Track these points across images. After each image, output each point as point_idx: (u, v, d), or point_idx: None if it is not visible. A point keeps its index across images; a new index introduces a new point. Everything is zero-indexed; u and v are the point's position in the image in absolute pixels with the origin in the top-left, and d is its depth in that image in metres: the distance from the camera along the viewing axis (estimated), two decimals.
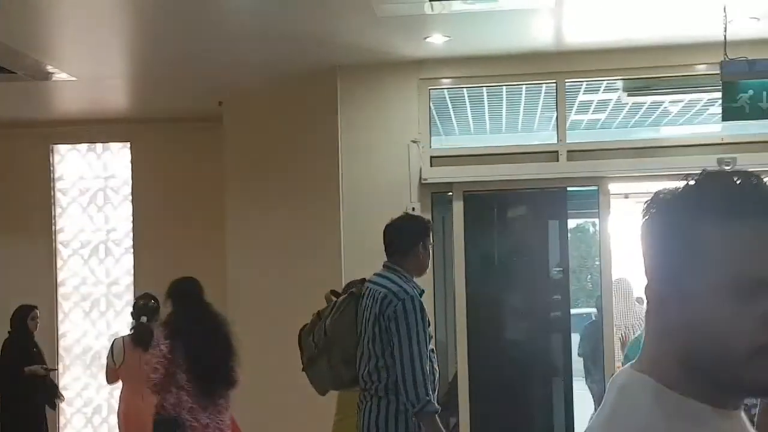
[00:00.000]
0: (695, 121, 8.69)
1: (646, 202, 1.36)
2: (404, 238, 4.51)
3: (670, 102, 8.23)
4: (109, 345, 7.06)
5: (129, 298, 8.63)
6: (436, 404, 4.30)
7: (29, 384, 7.54)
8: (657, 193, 1.35)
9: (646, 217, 1.34)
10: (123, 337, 6.87)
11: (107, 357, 6.83)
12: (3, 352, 7.69)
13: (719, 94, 7.35)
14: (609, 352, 6.85)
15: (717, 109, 8.38)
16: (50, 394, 7.77)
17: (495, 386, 6.88)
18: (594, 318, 8.54)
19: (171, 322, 5.57)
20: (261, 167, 7.57)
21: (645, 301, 1.37)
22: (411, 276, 4.49)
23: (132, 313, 6.95)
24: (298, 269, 7.23)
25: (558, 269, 6.92)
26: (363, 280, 4.67)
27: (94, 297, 8.89)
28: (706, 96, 7.85)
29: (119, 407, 6.87)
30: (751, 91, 6.12)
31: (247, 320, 7.52)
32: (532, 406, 7.00)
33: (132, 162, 8.76)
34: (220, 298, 7.78)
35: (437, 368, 4.47)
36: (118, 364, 6.74)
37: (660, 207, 1.34)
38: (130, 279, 8.74)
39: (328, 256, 7.09)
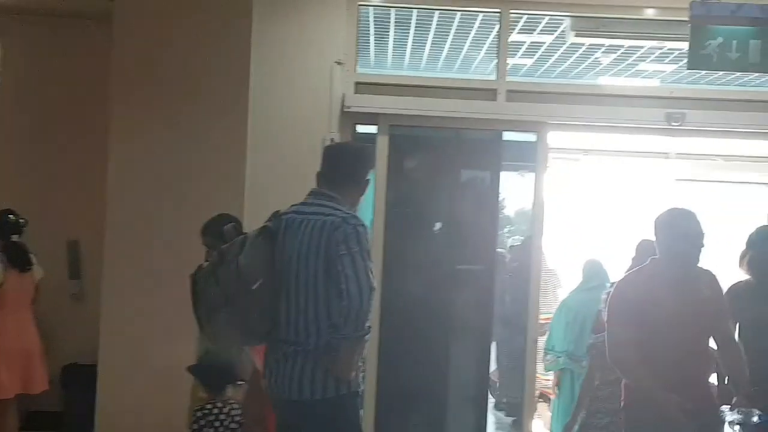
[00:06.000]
0: (625, 74, 8.23)
1: None
2: (354, 165, 3.96)
3: (602, 51, 7.71)
4: None
5: None
6: None
7: None
8: None
9: None
10: None
11: None
12: None
13: (666, 44, 6.94)
14: (533, 311, 6.31)
15: (647, 65, 7.99)
16: None
17: (406, 339, 6.27)
18: None
19: None
20: (155, 80, 6.65)
21: None
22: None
23: None
24: (191, 203, 6.35)
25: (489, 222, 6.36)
26: (277, 213, 3.96)
27: None
28: (646, 45, 7.33)
29: None
30: (720, 39, 5.60)
31: (129, 260, 6.70)
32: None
33: None
34: (96, 232, 6.89)
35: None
36: None
37: None
38: None
39: (229, 188, 6.28)
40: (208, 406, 4.46)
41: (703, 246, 4.19)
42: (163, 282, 6.51)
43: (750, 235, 5.00)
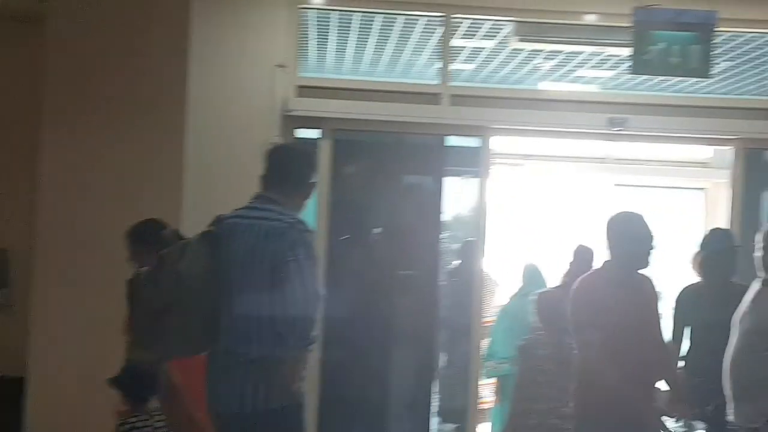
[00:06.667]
0: (564, 80, 8.26)
1: None
2: (298, 167, 3.83)
3: (542, 57, 7.72)
4: None
5: None
6: None
7: None
8: None
9: None
10: None
11: None
12: None
13: (605, 50, 6.96)
14: (476, 315, 6.28)
15: (586, 71, 8.02)
16: None
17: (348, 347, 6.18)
18: None
19: None
20: (89, 82, 6.41)
21: None
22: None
23: None
24: (126, 209, 6.11)
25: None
26: (219, 218, 3.80)
27: None
28: (585, 51, 7.35)
29: None
30: (662, 44, 5.64)
31: (61, 268, 6.47)
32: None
33: None
34: (25, 239, 6.69)
35: None
36: None
37: None
38: None
39: (167, 192, 6.08)
40: (132, 419, 4.32)
41: (653, 248, 4.24)
42: (97, 290, 6.30)
43: (704, 237, 5.03)
